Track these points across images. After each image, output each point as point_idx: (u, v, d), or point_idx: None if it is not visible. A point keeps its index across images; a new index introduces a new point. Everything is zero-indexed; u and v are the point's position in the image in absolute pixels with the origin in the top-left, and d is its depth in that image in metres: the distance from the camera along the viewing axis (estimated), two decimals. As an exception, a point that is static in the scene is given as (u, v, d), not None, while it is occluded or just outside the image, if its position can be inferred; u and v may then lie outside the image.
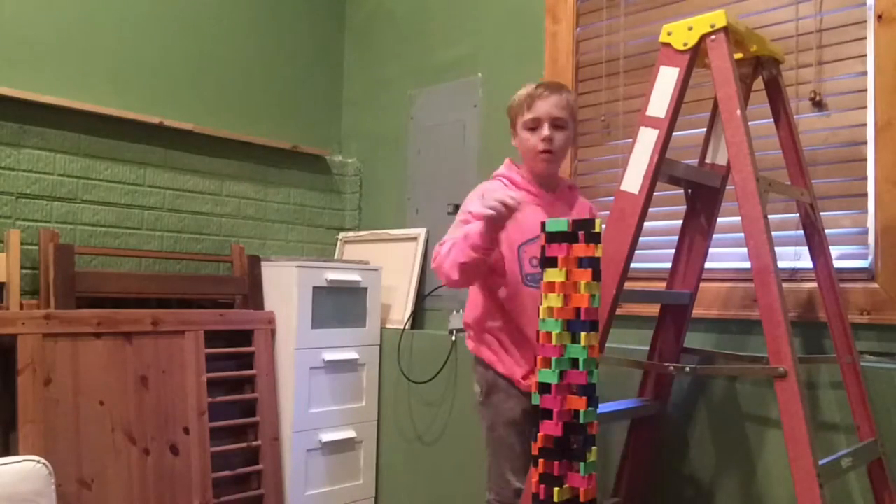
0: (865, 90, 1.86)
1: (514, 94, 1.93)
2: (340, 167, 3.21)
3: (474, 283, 1.86)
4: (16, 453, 1.99)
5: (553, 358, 1.44)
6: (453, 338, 2.56)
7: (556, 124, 1.81)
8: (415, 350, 2.69)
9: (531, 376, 1.68)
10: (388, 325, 2.82)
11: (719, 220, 1.88)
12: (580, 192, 2.02)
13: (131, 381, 2.26)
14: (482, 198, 1.72)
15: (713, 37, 1.52)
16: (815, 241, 1.74)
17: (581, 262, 1.45)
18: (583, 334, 1.43)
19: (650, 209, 1.60)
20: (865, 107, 1.86)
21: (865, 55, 1.87)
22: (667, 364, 1.66)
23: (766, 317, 1.41)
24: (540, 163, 1.83)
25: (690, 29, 1.55)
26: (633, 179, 1.57)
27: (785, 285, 1.48)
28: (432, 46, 2.93)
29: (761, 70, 1.76)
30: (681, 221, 1.91)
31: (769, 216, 1.46)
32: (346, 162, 3.22)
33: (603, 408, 1.67)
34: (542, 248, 1.49)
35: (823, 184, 1.89)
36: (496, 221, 1.63)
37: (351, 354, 2.68)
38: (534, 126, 1.81)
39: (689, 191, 1.88)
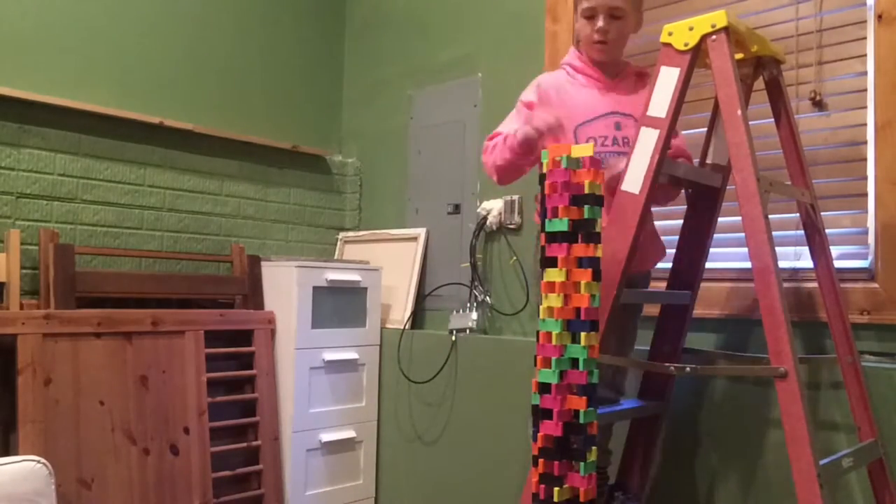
0: (865, 90, 1.86)
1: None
2: (340, 167, 3.21)
3: (515, 180, 1.92)
4: (16, 453, 1.98)
5: (553, 358, 1.44)
6: (453, 338, 2.56)
7: (614, 14, 1.79)
8: (415, 350, 2.69)
9: None
10: (388, 325, 2.82)
11: (720, 220, 1.88)
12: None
13: (131, 381, 2.26)
14: (537, 87, 1.88)
15: (714, 37, 1.53)
16: (816, 241, 1.74)
17: (581, 262, 1.45)
18: (583, 334, 1.43)
19: (651, 209, 1.60)
20: (865, 107, 1.86)
21: (865, 55, 1.87)
22: (667, 364, 1.66)
23: (767, 317, 1.41)
24: (594, 52, 1.85)
25: (691, 29, 1.55)
26: (633, 179, 1.57)
27: (785, 285, 1.48)
28: (432, 46, 2.93)
29: (762, 70, 1.76)
30: (681, 221, 1.91)
31: (769, 216, 1.46)
32: (346, 162, 3.22)
33: (603, 408, 1.67)
34: (542, 248, 1.49)
35: (823, 184, 1.89)
36: (530, 143, 1.74)
37: (351, 354, 2.68)
38: (590, 15, 1.80)
39: (690, 191, 1.88)
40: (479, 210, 2.65)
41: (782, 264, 1.52)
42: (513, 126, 1.84)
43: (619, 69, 1.90)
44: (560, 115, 1.80)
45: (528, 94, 1.89)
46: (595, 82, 1.86)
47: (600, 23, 1.78)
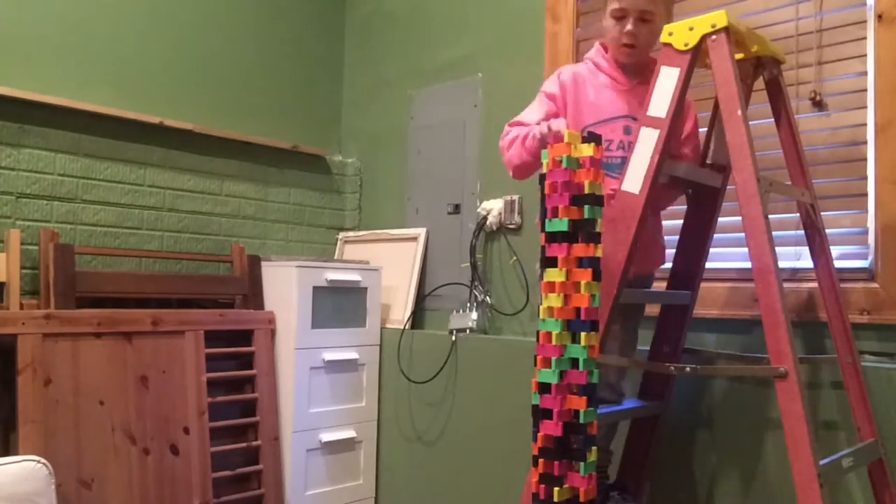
0: (865, 90, 1.86)
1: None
2: (340, 167, 3.21)
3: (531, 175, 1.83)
4: (16, 453, 1.99)
5: (553, 358, 1.44)
6: (453, 338, 2.56)
7: (643, 18, 1.74)
8: (415, 350, 2.69)
9: None
10: (388, 325, 2.82)
11: (720, 220, 1.88)
12: None
13: (131, 381, 2.26)
14: (559, 77, 1.83)
15: (714, 37, 1.52)
16: (816, 241, 1.74)
17: (581, 262, 1.45)
18: (583, 334, 1.43)
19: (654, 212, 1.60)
20: (865, 107, 1.86)
21: (865, 55, 1.87)
22: (667, 364, 1.66)
23: (767, 317, 1.41)
24: (621, 55, 1.80)
25: (691, 29, 1.55)
26: (633, 180, 1.57)
27: (785, 285, 1.48)
28: (432, 46, 2.93)
29: (762, 70, 1.76)
30: (681, 221, 1.91)
31: (770, 216, 1.46)
32: (346, 162, 3.22)
33: (603, 408, 1.67)
34: (542, 248, 1.49)
35: (823, 184, 1.89)
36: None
37: (351, 354, 2.68)
38: (620, 16, 1.75)
39: (690, 191, 1.88)
40: (479, 210, 2.65)
41: (782, 264, 1.52)
42: (535, 116, 1.80)
43: (641, 70, 1.83)
44: (571, 116, 1.77)
45: (551, 86, 1.85)
46: (614, 83, 1.82)
47: (629, 26, 1.74)
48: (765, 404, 1.87)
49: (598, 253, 1.45)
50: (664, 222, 2.14)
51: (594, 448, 1.44)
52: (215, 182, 2.81)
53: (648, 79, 1.77)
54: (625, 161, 1.71)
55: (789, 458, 1.35)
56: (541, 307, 1.47)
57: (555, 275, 1.46)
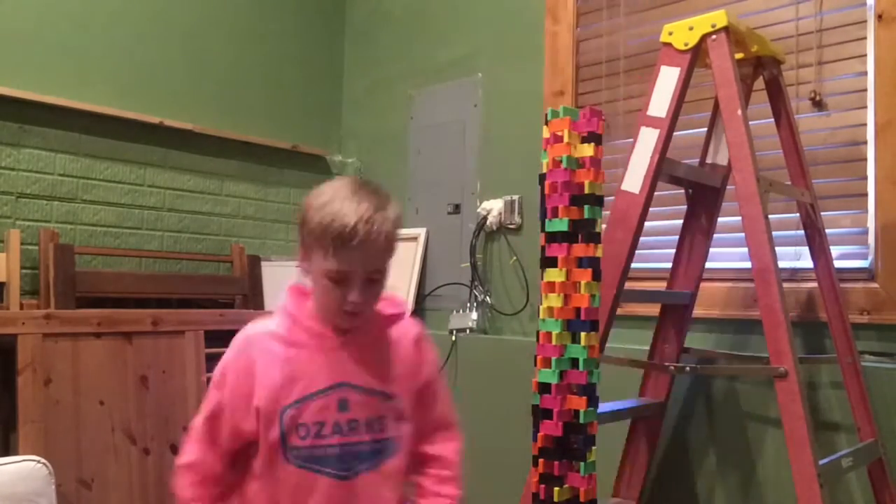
0: (865, 90, 1.86)
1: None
2: (340, 167, 3.21)
3: None
4: (16, 453, 1.98)
5: (553, 358, 1.44)
6: (453, 338, 2.56)
7: (372, 277, 1.23)
8: (415, 350, 2.69)
9: None
10: (388, 325, 2.82)
11: (720, 220, 1.88)
12: (410, 323, 1.38)
13: (131, 381, 2.26)
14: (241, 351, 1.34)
15: (714, 37, 1.53)
16: (816, 241, 1.74)
17: (581, 262, 1.45)
18: (583, 334, 1.44)
19: (650, 209, 1.60)
20: (865, 107, 1.86)
21: (865, 55, 1.87)
22: (667, 364, 1.66)
23: (767, 317, 1.41)
24: (341, 321, 1.27)
25: (691, 29, 1.55)
26: (633, 179, 1.57)
27: (785, 285, 1.48)
28: (432, 46, 2.92)
29: (762, 70, 1.76)
30: (681, 221, 1.91)
31: (769, 216, 1.46)
32: (346, 162, 3.22)
33: (603, 408, 1.67)
34: (542, 248, 1.49)
35: (823, 184, 1.89)
36: None
37: (351, 354, 2.68)
38: (338, 279, 1.22)
39: (690, 191, 1.88)
40: (479, 210, 2.65)
41: (782, 264, 1.52)
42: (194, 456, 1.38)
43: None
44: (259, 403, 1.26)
45: (216, 380, 1.39)
46: (319, 343, 1.29)
47: (355, 295, 1.21)
48: (765, 404, 1.87)
49: (598, 253, 1.45)
50: (665, 222, 2.15)
51: (594, 448, 1.44)
52: (215, 182, 2.81)
53: (369, 331, 1.31)
54: (342, 448, 1.25)
55: (789, 458, 1.35)
56: (541, 307, 1.47)
57: (555, 275, 1.46)
